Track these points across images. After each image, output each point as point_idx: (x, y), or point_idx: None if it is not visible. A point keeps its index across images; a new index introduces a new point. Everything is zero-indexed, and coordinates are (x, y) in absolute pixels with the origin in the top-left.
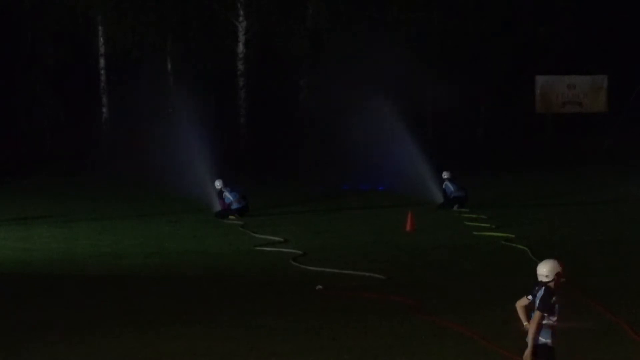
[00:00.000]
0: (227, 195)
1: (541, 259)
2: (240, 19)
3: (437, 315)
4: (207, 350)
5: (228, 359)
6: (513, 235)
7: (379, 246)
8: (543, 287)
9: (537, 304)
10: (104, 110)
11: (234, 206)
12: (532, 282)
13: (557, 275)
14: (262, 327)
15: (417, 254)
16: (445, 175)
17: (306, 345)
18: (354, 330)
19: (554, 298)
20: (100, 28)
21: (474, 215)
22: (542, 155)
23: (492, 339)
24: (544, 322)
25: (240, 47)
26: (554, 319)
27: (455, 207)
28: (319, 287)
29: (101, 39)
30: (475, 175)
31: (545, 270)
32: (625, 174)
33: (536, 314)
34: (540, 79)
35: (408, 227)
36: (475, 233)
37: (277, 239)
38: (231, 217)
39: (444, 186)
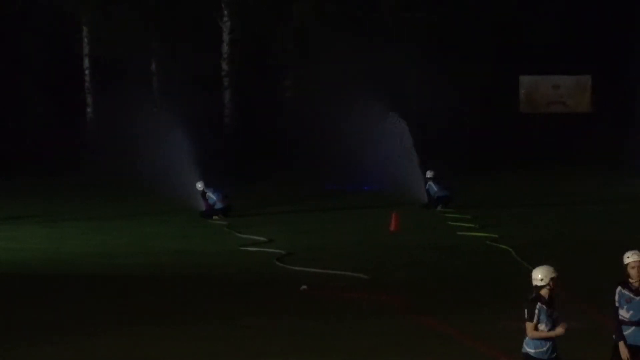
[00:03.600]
0: (211, 196)
1: (525, 259)
2: (225, 19)
3: (422, 315)
4: (193, 350)
5: (214, 358)
6: (496, 236)
7: (363, 246)
8: (533, 296)
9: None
10: (89, 110)
11: (218, 206)
12: (516, 282)
13: (552, 280)
14: (248, 327)
15: (402, 254)
16: (428, 174)
17: (292, 345)
18: (339, 330)
19: (537, 305)
20: (84, 28)
21: (458, 215)
22: (527, 155)
23: (477, 338)
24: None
25: (225, 47)
26: (545, 328)
27: (439, 207)
28: (304, 287)
29: (86, 39)
30: (460, 175)
31: (539, 274)
32: (612, 174)
33: (526, 326)
34: (524, 79)
35: (392, 227)
36: (459, 233)
37: (261, 239)
38: (215, 217)
39: (427, 187)
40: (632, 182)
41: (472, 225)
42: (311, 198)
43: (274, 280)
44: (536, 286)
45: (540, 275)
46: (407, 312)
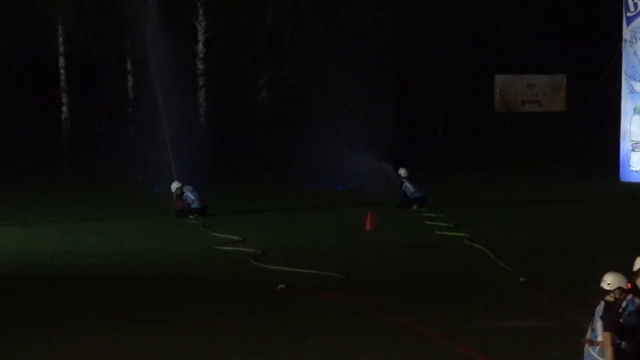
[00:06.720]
0: (189, 195)
1: (500, 259)
2: (200, 18)
3: (397, 314)
4: (168, 349)
5: (189, 358)
6: (469, 235)
7: (339, 245)
8: (602, 303)
9: (602, 324)
10: (64, 109)
11: (195, 205)
12: (492, 282)
13: (619, 289)
14: (223, 327)
15: (377, 253)
16: (402, 172)
17: (267, 345)
18: (315, 330)
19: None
20: (59, 27)
21: (433, 215)
22: (501, 155)
23: (452, 337)
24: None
25: (200, 47)
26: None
27: (414, 207)
28: (281, 286)
29: (60, 39)
30: (434, 174)
31: (608, 279)
32: (585, 173)
33: (605, 337)
34: (499, 78)
35: (368, 226)
36: (437, 232)
37: (237, 238)
38: (190, 216)
39: (403, 187)
40: (605, 181)
41: (447, 225)
42: (287, 197)
43: (249, 279)
44: (602, 290)
45: (607, 280)
46: (383, 312)
